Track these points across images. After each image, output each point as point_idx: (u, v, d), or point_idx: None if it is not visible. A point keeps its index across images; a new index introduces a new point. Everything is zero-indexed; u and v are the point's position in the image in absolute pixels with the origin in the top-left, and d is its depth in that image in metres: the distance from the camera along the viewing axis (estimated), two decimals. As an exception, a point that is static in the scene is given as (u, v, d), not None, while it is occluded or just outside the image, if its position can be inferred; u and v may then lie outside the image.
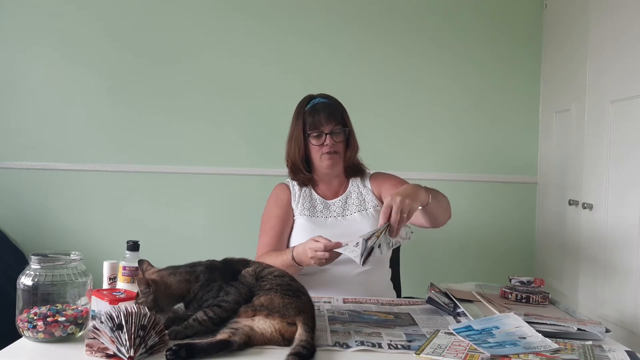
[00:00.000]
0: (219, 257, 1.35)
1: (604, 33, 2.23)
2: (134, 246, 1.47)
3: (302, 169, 1.87)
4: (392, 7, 2.89)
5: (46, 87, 2.86)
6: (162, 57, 2.87)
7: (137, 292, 1.25)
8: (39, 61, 2.86)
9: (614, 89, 2.13)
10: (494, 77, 2.91)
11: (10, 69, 2.86)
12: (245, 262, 1.35)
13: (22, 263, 2.62)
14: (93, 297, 1.28)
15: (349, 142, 1.89)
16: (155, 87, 2.87)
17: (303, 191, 1.91)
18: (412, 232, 1.50)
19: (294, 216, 1.88)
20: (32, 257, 1.20)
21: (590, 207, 2.25)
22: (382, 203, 1.83)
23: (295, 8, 2.88)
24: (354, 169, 1.94)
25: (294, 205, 1.88)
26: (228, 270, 1.29)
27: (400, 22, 2.89)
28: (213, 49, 2.88)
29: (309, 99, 1.90)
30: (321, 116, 1.81)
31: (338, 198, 1.90)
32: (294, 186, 1.92)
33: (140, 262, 1.32)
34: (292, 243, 1.83)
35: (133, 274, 1.43)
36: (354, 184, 1.93)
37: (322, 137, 1.82)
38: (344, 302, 1.62)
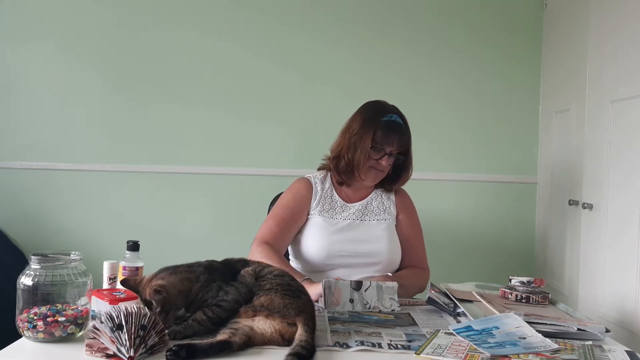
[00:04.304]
0: (219, 258, 1.35)
1: (603, 33, 2.23)
2: (134, 246, 1.47)
3: (354, 172, 1.83)
4: (395, 9, 2.89)
5: (45, 87, 2.86)
6: (162, 56, 2.87)
7: (146, 300, 1.22)
8: (38, 60, 2.86)
9: (614, 89, 2.13)
10: (493, 77, 2.91)
11: (9, 68, 2.86)
12: (244, 262, 1.35)
13: (22, 263, 2.64)
14: (93, 297, 1.28)
15: (404, 167, 1.87)
16: (155, 86, 2.87)
17: (325, 191, 1.89)
18: (399, 307, 1.51)
19: (308, 214, 1.86)
20: (32, 257, 1.20)
21: (590, 207, 2.25)
22: (397, 219, 1.91)
23: (299, 7, 2.88)
24: (390, 187, 1.93)
25: (312, 204, 1.87)
26: (227, 271, 1.29)
27: (402, 23, 2.89)
28: (213, 47, 2.87)
29: (386, 110, 1.85)
30: (395, 136, 1.80)
31: (359, 202, 1.89)
32: (316, 184, 1.90)
33: (125, 281, 1.27)
34: (306, 241, 1.83)
35: (133, 274, 1.42)
36: (378, 193, 1.93)
37: (380, 154, 1.80)
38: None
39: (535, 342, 1.23)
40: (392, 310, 1.50)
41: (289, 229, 1.84)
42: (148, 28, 2.87)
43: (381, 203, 1.90)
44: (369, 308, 1.49)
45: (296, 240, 1.88)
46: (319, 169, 1.96)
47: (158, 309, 1.18)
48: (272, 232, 1.81)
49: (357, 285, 1.50)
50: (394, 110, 1.87)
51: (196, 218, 2.89)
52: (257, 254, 1.72)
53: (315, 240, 1.81)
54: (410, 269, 1.88)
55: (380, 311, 1.50)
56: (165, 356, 1.05)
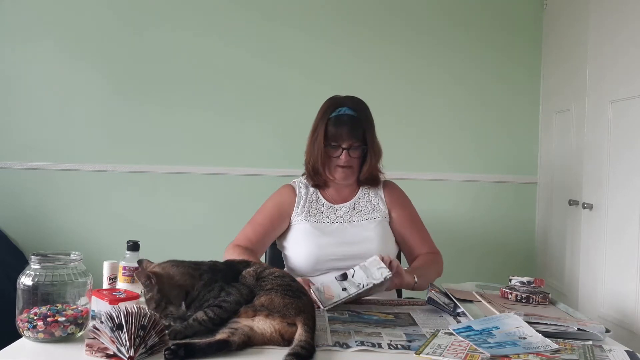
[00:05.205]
0: (219, 259, 1.35)
1: (603, 33, 2.23)
2: (134, 246, 1.47)
3: (322, 173, 1.82)
4: (395, 9, 2.89)
5: (45, 87, 2.86)
6: (162, 56, 2.87)
7: (141, 291, 1.24)
8: (38, 60, 2.86)
9: (614, 89, 2.13)
10: (493, 78, 2.91)
11: (9, 68, 2.86)
12: (246, 263, 1.35)
13: (22, 263, 2.63)
14: (93, 297, 1.28)
15: (367, 157, 1.83)
16: (155, 87, 2.87)
17: (309, 195, 1.87)
18: (390, 273, 1.51)
19: (291, 221, 1.85)
20: (32, 257, 1.20)
21: (590, 207, 2.25)
22: (390, 216, 1.87)
23: (299, 7, 2.89)
24: (369, 179, 1.88)
25: (296, 211, 1.84)
26: (230, 272, 1.29)
27: (402, 23, 2.89)
28: (213, 47, 2.87)
29: (336, 104, 1.81)
30: (343, 130, 1.76)
31: (346, 203, 1.86)
32: (300, 189, 1.88)
33: (140, 261, 1.31)
34: (294, 248, 1.82)
35: (133, 274, 1.42)
36: (365, 191, 1.89)
37: (339, 151, 1.78)
38: (345, 302, 1.61)
39: (535, 342, 1.23)
40: (384, 278, 1.50)
41: (264, 234, 1.83)
42: (148, 28, 2.87)
43: (369, 202, 1.87)
44: (364, 287, 1.49)
45: (285, 248, 1.86)
46: (303, 174, 1.93)
47: (148, 296, 1.19)
48: (248, 237, 1.82)
49: (343, 276, 1.53)
50: (345, 102, 1.82)
51: (196, 218, 2.89)
52: (229, 257, 1.71)
53: (303, 246, 1.79)
54: (422, 256, 1.85)
55: (374, 285, 1.49)
56: (163, 355, 1.04)
